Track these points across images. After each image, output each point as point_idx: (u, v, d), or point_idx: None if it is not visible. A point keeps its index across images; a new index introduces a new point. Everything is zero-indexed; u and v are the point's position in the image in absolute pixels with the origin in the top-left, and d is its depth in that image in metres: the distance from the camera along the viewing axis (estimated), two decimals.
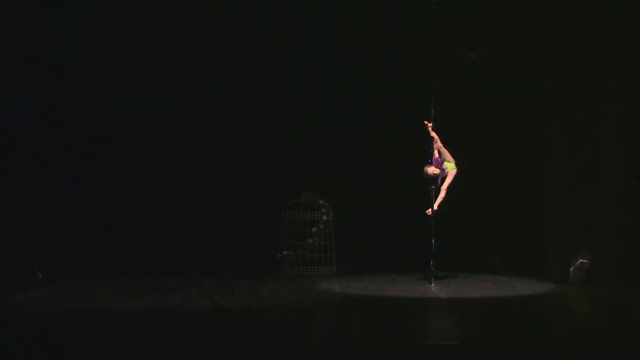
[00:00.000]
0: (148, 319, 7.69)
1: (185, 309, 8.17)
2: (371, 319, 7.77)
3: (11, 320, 7.72)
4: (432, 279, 9.83)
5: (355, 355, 6.42)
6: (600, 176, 9.75)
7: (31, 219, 9.93)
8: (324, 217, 10.94)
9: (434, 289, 9.47)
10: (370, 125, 11.84)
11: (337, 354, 6.37)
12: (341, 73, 11.79)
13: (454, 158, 10.00)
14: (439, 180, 9.93)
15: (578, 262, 9.62)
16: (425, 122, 9.93)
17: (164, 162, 11.56)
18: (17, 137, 9.90)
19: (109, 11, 10.92)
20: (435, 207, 9.89)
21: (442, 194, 9.93)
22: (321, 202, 11.07)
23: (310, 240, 10.83)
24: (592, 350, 6.39)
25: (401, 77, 11.72)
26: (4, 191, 9.57)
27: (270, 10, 11.43)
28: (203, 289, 9.24)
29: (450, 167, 9.96)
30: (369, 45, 11.79)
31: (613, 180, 9.67)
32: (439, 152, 9.96)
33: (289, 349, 6.42)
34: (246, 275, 10.51)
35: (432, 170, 9.86)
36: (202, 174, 10.67)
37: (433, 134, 9.92)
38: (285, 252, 10.87)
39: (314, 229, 10.83)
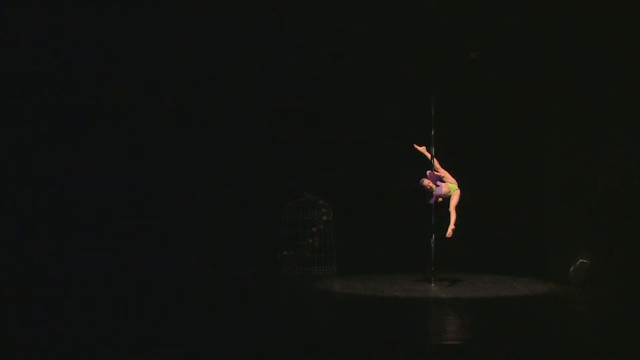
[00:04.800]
0: None
1: None
2: (371, 319, 7.77)
3: None
4: (432, 279, 9.83)
5: (356, 355, 6.42)
6: (601, 176, 9.76)
7: None
8: (324, 217, 10.95)
9: (434, 289, 9.47)
10: (370, 125, 11.86)
11: (338, 354, 6.37)
12: (341, 73, 11.80)
13: (455, 179, 9.82)
14: (434, 198, 9.75)
15: (578, 262, 9.63)
16: (415, 145, 9.87)
17: (164, 162, 11.56)
18: None
19: None
20: (450, 231, 9.57)
21: (453, 215, 9.63)
22: (321, 202, 11.08)
23: (310, 240, 10.84)
24: (592, 350, 6.39)
25: (403, 77, 11.74)
26: None
27: (269, 10, 11.42)
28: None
29: (453, 188, 9.74)
30: (371, 45, 11.79)
31: (613, 180, 9.68)
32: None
33: (289, 349, 6.43)
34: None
35: (427, 182, 9.73)
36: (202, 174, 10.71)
37: (427, 155, 9.82)
38: (285, 252, 10.87)
39: (314, 229, 10.84)
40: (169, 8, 10.96)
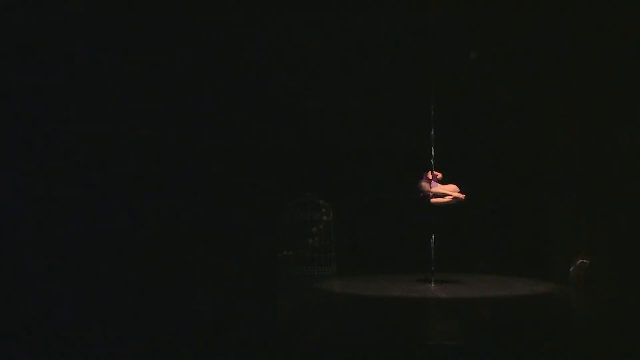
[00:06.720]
0: None
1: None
2: (371, 319, 7.76)
3: None
4: (432, 279, 9.84)
5: (355, 355, 6.42)
6: (601, 176, 9.76)
7: None
8: (324, 217, 10.96)
9: (434, 289, 9.47)
10: (369, 125, 11.86)
11: (337, 354, 6.37)
12: (341, 73, 11.80)
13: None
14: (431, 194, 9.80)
15: (578, 262, 9.63)
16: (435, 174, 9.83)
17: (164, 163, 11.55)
18: None
19: None
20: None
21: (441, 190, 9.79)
22: (321, 202, 11.08)
23: (310, 240, 10.84)
24: (593, 350, 6.39)
25: (403, 78, 11.74)
26: None
27: (269, 8, 11.41)
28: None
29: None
30: (372, 45, 11.79)
31: (613, 181, 9.68)
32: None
33: (289, 350, 6.42)
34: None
35: (424, 185, 9.80)
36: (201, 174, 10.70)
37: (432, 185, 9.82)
38: (285, 252, 10.87)
39: (314, 229, 10.84)
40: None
